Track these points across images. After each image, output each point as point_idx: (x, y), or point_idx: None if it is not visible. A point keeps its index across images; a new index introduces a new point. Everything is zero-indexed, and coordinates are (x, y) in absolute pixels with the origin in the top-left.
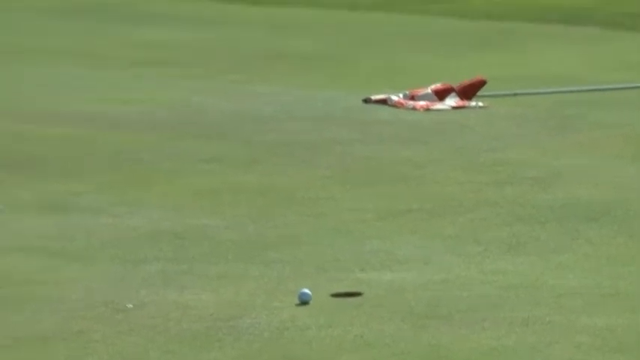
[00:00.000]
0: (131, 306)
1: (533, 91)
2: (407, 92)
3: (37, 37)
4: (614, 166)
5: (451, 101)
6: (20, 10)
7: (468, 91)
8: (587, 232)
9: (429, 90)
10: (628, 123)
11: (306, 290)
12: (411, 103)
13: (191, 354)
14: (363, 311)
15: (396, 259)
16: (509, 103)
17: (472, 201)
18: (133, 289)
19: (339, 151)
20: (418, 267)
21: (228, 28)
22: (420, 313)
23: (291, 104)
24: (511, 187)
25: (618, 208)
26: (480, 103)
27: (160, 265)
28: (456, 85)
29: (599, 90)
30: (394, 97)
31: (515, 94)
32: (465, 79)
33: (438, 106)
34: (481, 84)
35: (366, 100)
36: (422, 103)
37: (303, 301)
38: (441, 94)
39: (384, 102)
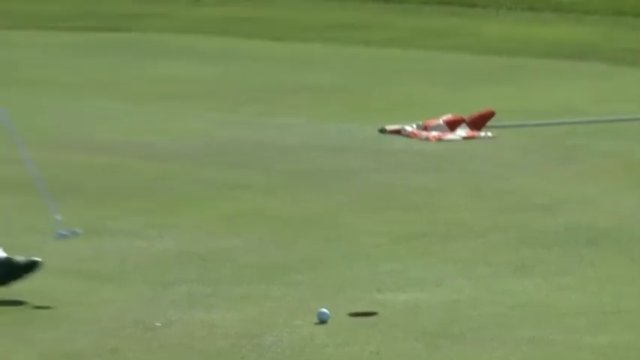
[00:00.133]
0: (160, 325)
1: (539, 122)
2: (420, 123)
3: (65, 71)
4: (616, 193)
5: (462, 132)
6: (46, 46)
7: (477, 122)
8: (590, 255)
9: (440, 121)
10: (629, 153)
11: (325, 310)
12: (424, 133)
13: None
14: (379, 330)
15: (410, 281)
16: (517, 134)
17: (481, 226)
18: (162, 309)
19: (355, 178)
20: (431, 288)
21: (250, 62)
22: (433, 331)
23: (310, 135)
24: (518, 213)
25: (619, 233)
26: (489, 134)
27: (187, 286)
28: (466, 116)
29: (603, 121)
30: (408, 128)
31: (522, 126)
32: (475, 111)
33: (449, 136)
34: (490, 115)
35: (382, 131)
36: (434, 133)
37: (322, 320)
38: (452, 125)
39: (398, 132)
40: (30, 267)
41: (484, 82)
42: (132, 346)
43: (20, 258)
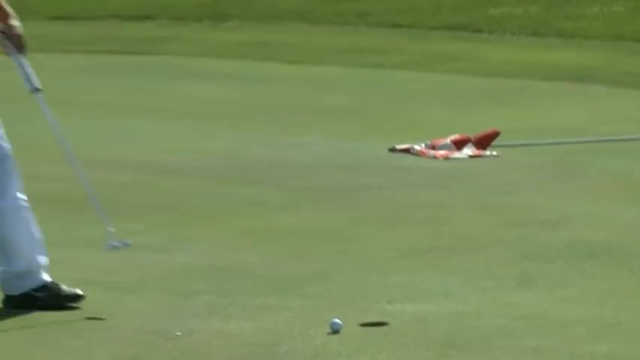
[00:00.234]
0: (180, 334)
1: (542, 141)
2: (428, 142)
3: (90, 92)
4: (616, 210)
5: (468, 150)
6: (72, 68)
7: (483, 142)
8: (591, 269)
9: (448, 140)
10: (628, 171)
11: (338, 320)
12: (432, 152)
13: None
14: (389, 340)
15: (418, 293)
16: (521, 153)
17: (486, 240)
18: (182, 319)
19: (366, 194)
20: (438, 299)
21: (267, 84)
22: (441, 341)
23: (324, 153)
24: (522, 228)
25: (619, 247)
26: (494, 153)
27: (206, 297)
28: (472, 136)
29: (603, 141)
30: (417, 147)
31: (526, 145)
32: (481, 131)
33: (456, 154)
34: (495, 135)
35: (392, 150)
36: (442, 152)
37: (335, 330)
38: (458, 144)
39: (407, 151)
40: (73, 298)
41: (490, 104)
42: (153, 354)
43: (64, 287)
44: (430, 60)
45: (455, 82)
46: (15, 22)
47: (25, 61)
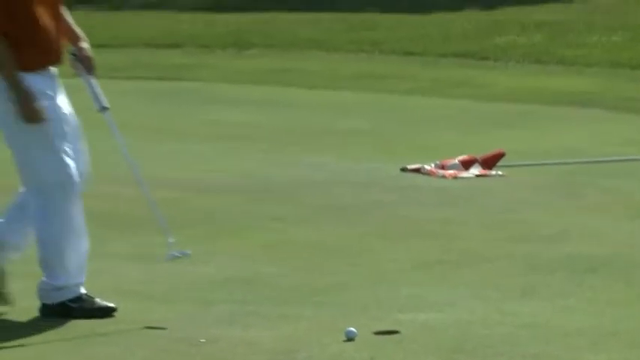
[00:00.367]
0: (204, 341)
1: (545, 162)
2: (438, 162)
3: (126, 116)
4: (614, 225)
5: (475, 170)
6: (109, 94)
7: (489, 162)
8: (590, 281)
9: (456, 161)
10: (627, 190)
11: (352, 328)
12: (441, 171)
13: None
14: (401, 347)
15: (428, 303)
16: (525, 173)
17: (492, 254)
18: (206, 327)
19: (379, 211)
20: (446, 309)
21: (286, 108)
22: (449, 348)
23: (340, 172)
24: (525, 243)
25: (616, 261)
26: (500, 172)
27: (229, 306)
28: (479, 156)
29: (602, 162)
30: (427, 167)
31: (529, 165)
32: (487, 152)
33: (464, 174)
34: (501, 156)
35: (403, 169)
36: (450, 171)
37: (350, 338)
38: (466, 164)
39: (418, 171)
40: (105, 310)
41: (496, 127)
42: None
43: (98, 300)
44: (439, 86)
45: (463, 107)
46: (85, 45)
47: (94, 82)
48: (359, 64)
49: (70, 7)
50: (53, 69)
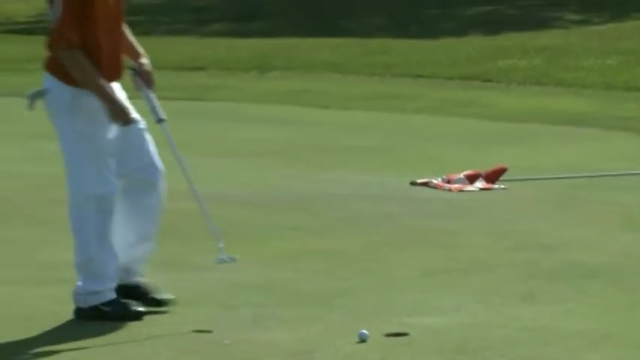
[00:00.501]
0: (227, 342)
1: (545, 176)
2: (444, 177)
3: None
4: (609, 236)
5: (479, 184)
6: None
7: (492, 176)
8: (587, 287)
9: (461, 175)
10: (621, 202)
11: (364, 330)
12: (448, 185)
13: None
14: (410, 348)
15: (434, 307)
16: (526, 186)
17: (495, 262)
18: (229, 330)
19: (389, 221)
20: (452, 313)
21: (304, 126)
22: (453, 349)
23: (354, 186)
24: (526, 252)
25: (612, 268)
26: (502, 186)
27: (251, 309)
28: (483, 171)
29: (598, 176)
30: (434, 181)
31: (530, 179)
32: (490, 167)
33: (469, 187)
34: (503, 171)
35: (413, 183)
36: (456, 185)
37: (362, 340)
38: (471, 179)
39: (426, 184)
40: (136, 314)
41: (498, 144)
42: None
43: (130, 303)
44: (447, 106)
45: (468, 125)
46: (144, 60)
47: (153, 95)
48: (372, 86)
49: None
50: (115, 84)
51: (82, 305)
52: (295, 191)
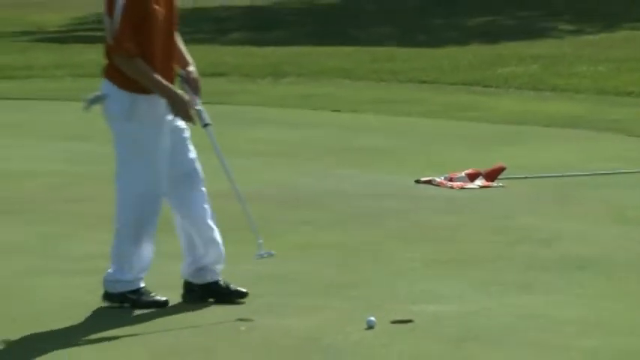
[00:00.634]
0: (244, 329)
1: (540, 175)
2: (447, 175)
3: None
4: (600, 230)
5: (479, 182)
6: None
7: (491, 175)
8: (579, 278)
9: (463, 174)
10: (612, 199)
11: (372, 318)
12: (450, 183)
13: None
14: (415, 334)
15: (438, 296)
16: (522, 184)
17: (494, 255)
18: (246, 316)
19: (396, 217)
20: (454, 302)
21: (317, 128)
22: (456, 335)
23: (362, 184)
24: (523, 245)
25: (602, 260)
26: (501, 184)
27: (266, 298)
28: (483, 170)
29: (590, 175)
30: (437, 179)
31: (526, 178)
32: (490, 166)
33: (470, 185)
34: (501, 170)
35: (417, 181)
36: (458, 183)
37: (370, 326)
38: (471, 177)
39: (430, 182)
40: (159, 303)
41: (497, 145)
42: (223, 344)
43: (153, 293)
44: (449, 109)
45: (469, 128)
46: (192, 68)
47: (199, 101)
48: (379, 91)
49: None
50: None
51: (111, 291)
52: (307, 188)
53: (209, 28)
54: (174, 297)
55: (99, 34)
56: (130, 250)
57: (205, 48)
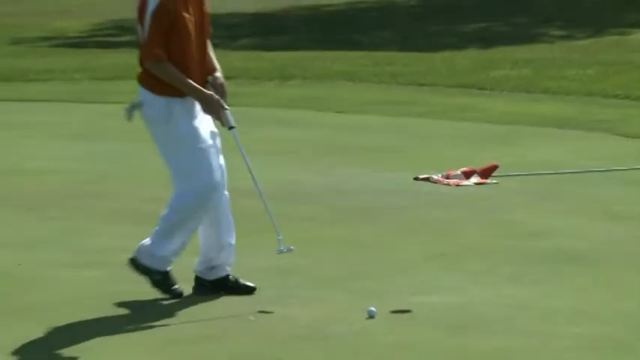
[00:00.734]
0: (253, 318)
1: (532, 172)
2: (444, 173)
3: None
4: (589, 225)
5: (474, 179)
6: None
7: (486, 172)
8: (568, 270)
9: (459, 171)
10: (599, 195)
11: (373, 308)
12: (446, 180)
13: (293, 349)
14: (413, 323)
15: (435, 287)
16: (515, 181)
17: (488, 248)
18: (254, 307)
19: (396, 213)
20: (451, 292)
21: (321, 129)
22: (452, 324)
23: (364, 181)
24: (515, 239)
25: (590, 254)
26: (495, 181)
27: (272, 290)
28: (477, 168)
29: (579, 172)
30: (435, 176)
31: (519, 175)
32: (484, 165)
33: (465, 182)
34: (495, 168)
35: (416, 179)
36: (454, 180)
37: (371, 316)
38: (467, 175)
39: (428, 179)
40: (176, 293)
41: (491, 144)
42: (231, 332)
43: (176, 282)
44: (446, 110)
45: (465, 128)
46: (219, 74)
47: (225, 105)
48: (380, 93)
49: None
50: None
51: (143, 261)
52: (311, 185)
53: (220, 33)
54: (186, 289)
55: (117, 39)
56: (172, 234)
57: (216, 53)
